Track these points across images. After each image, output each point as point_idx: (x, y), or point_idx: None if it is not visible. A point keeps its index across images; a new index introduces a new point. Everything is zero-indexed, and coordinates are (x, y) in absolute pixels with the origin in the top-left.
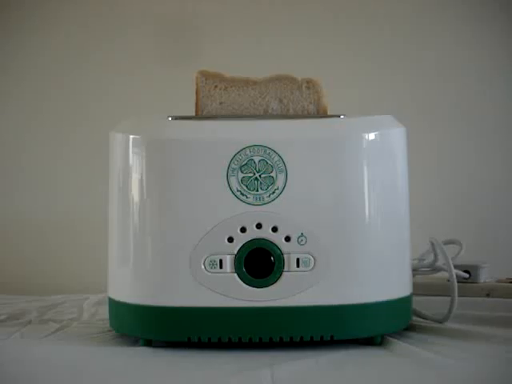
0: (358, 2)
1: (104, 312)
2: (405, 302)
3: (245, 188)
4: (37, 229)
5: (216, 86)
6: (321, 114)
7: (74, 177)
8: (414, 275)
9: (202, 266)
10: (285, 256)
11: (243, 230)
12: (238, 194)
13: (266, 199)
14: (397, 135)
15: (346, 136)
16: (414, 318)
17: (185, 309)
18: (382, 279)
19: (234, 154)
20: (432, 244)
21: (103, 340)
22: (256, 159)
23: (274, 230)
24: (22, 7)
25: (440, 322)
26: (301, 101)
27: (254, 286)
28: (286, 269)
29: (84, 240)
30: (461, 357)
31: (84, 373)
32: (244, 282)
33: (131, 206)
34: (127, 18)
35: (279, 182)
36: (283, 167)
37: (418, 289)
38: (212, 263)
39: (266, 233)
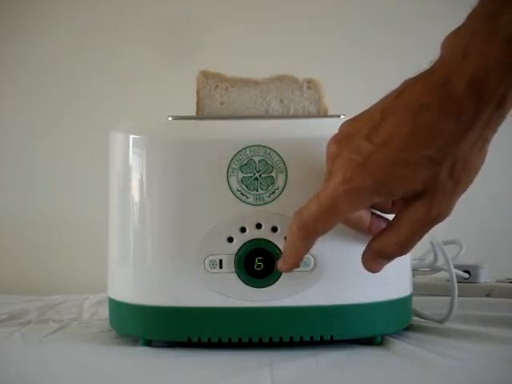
0: (358, 2)
1: (104, 312)
2: (405, 302)
3: (245, 188)
4: (37, 228)
5: (217, 86)
6: (321, 114)
7: (73, 177)
8: (414, 275)
9: (202, 266)
10: None
11: (243, 229)
12: (238, 194)
13: (266, 199)
14: None
15: None
16: (414, 317)
17: (185, 309)
18: (381, 279)
19: (234, 154)
20: (432, 244)
21: (103, 340)
22: (256, 159)
23: (274, 230)
24: (20, 6)
25: (440, 322)
26: (302, 101)
27: (253, 286)
28: None
29: (84, 240)
30: (461, 357)
31: (84, 373)
32: (244, 282)
33: (131, 206)
34: (127, 17)
35: (279, 182)
36: (283, 167)
37: (418, 289)
38: (212, 263)
39: (265, 233)
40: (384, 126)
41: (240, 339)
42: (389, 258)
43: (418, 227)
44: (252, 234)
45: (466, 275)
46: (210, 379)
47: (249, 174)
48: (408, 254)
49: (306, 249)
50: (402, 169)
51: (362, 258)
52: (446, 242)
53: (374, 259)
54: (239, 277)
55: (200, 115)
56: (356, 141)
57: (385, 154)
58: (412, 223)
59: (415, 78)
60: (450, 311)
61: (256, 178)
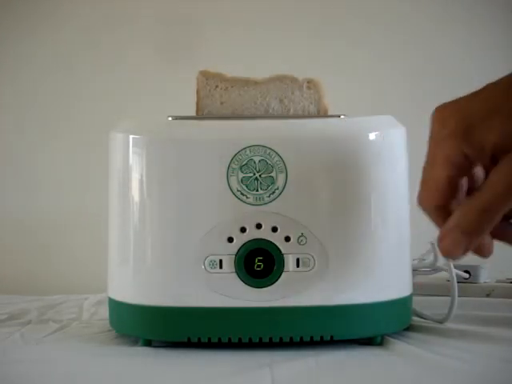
0: (358, 2)
1: (104, 312)
2: (405, 302)
3: (245, 188)
4: (37, 229)
5: (217, 86)
6: (321, 114)
7: (74, 177)
8: (414, 275)
9: (202, 266)
10: (285, 256)
11: (243, 230)
12: (238, 194)
13: (266, 199)
14: (397, 135)
15: (346, 136)
16: (414, 317)
17: (185, 309)
18: (382, 279)
19: (234, 154)
20: (432, 244)
21: (103, 340)
22: (256, 159)
23: (274, 230)
24: (21, 6)
25: (440, 322)
26: (301, 101)
27: (253, 286)
28: (285, 269)
29: (84, 240)
30: (461, 357)
31: (84, 373)
32: (244, 282)
33: (131, 206)
34: (127, 17)
35: (279, 182)
36: (283, 167)
37: (418, 289)
38: (212, 263)
39: (265, 233)
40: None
41: (240, 339)
42: (470, 229)
43: (506, 188)
44: (252, 233)
45: (466, 275)
46: (210, 379)
47: (249, 174)
48: (408, 254)
49: (440, 219)
50: (492, 116)
51: (439, 238)
52: None
53: (453, 237)
54: (239, 277)
55: (200, 115)
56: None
57: (476, 102)
58: (498, 183)
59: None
60: (449, 311)
61: (256, 178)
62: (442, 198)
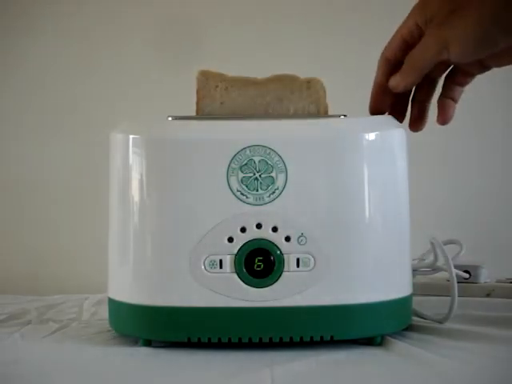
0: (359, 1)
1: (104, 312)
2: (405, 302)
3: (245, 188)
4: (37, 229)
5: (217, 86)
6: (321, 114)
7: (74, 177)
8: (414, 275)
9: (202, 266)
10: (285, 256)
11: (243, 229)
12: (238, 194)
13: (266, 199)
14: (397, 135)
15: (346, 136)
16: (414, 318)
17: (185, 309)
18: (382, 279)
19: (234, 154)
20: (432, 244)
21: (103, 340)
22: (256, 159)
23: (274, 230)
24: (22, 7)
25: (440, 322)
26: (301, 101)
27: (253, 286)
28: (285, 269)
29: (84, 240)
30: (461, 357)
31: (84, 373)
32: (244, 282)
33: (131, 206)
34: (127, 17)
35: (279, 182)
36: (283, 167)
37: (418, 289)
38: (212, 263)
39: (266, 233)
40: None
41: (240, 339)
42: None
43: (421, 48)
44: (252, 233)
45: (466, 275)
46: (210, 379)
47: (249, 174)
48: (408, 254)
49: (384, 68)
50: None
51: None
52: (446, 242)
53: (406, 69)
54: (239, 277)
55: (200, 115)
56: None
57: None
58: (419, 46)
59: None
60: (450, 311)
61: (256, 178)
62: (392, 51)
